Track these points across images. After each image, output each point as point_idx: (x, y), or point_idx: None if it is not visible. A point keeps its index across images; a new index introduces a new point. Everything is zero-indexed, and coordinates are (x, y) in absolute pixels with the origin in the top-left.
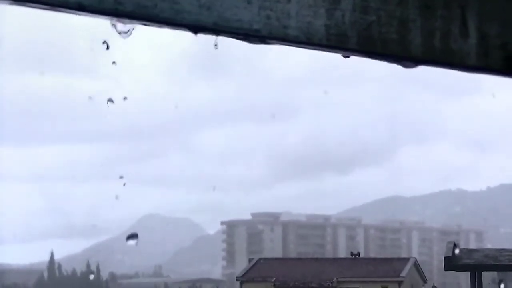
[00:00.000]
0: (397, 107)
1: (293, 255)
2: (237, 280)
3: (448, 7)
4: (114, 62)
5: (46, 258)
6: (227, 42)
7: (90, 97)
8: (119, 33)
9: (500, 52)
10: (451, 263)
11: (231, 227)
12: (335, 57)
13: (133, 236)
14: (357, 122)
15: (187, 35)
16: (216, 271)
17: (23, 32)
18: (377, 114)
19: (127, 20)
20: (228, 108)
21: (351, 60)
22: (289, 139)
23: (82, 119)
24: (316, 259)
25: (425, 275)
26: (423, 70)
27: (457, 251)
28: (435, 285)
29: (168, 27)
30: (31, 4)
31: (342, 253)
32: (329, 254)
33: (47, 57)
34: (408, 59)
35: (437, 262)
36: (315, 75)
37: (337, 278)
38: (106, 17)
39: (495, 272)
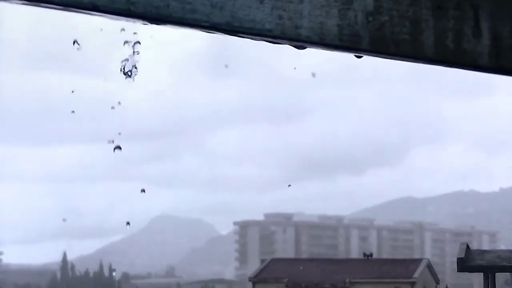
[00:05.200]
0: (410, 108)
1: (305, 255)
2: (249, 280)
3: (460, 8)
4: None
5: (59, 258)
6: (240, 42)
7: (102, 98)
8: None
9: None
10: (464, 264)
11: (243, 227)
12: (348, 58)
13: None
14: (370, 123)
15: (200, 34)
16: (229, 271)
17: (35, 31)
18: (390, 115)
19: (139, 21)
20: (242, 109)
21: (364, 61)
22: (302, 140)
23: (95, 119)
24: (329, 260)
25: (438, 276)
26: (435, 71)
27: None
28: (447, 286)
29: (180, 27)
30: (44, 5)
31: (355, 254)
32: (341, 255)
33: (62, 57)
34: (420, 59)
35: (450, 263)
36: (328, 76)
37: (349, 279)
38: (119, 17)
39: (509, 273)
